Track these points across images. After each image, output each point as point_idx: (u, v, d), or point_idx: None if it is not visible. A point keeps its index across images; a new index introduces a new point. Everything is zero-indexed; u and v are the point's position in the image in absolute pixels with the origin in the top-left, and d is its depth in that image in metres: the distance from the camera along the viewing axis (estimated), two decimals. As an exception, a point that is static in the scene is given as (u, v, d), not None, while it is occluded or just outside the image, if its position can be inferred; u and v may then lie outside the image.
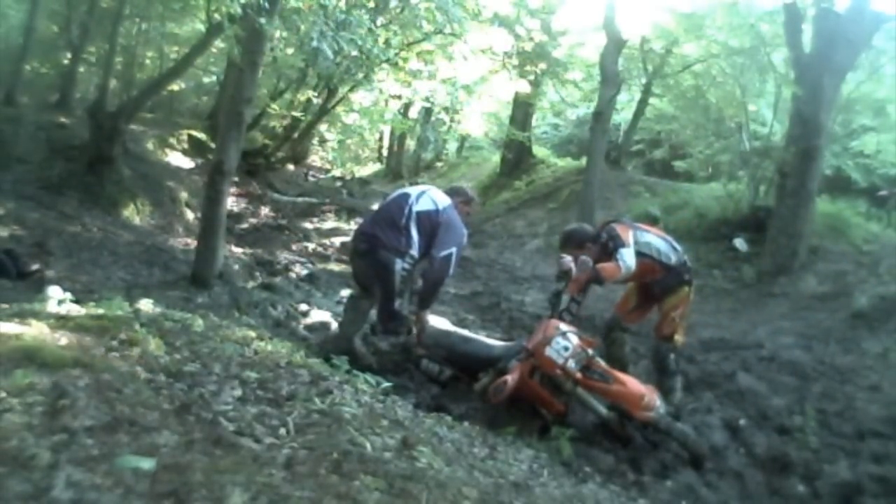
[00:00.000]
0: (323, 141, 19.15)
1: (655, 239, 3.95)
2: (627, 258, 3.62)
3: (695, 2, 11.45)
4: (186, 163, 11.30)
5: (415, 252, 3.76)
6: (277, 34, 6.83)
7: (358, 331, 4.09)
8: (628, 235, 3.75)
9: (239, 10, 4.87)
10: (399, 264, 3.71)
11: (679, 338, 3.96)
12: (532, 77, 13.72)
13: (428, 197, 3.90)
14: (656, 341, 4.02)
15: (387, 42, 8.97)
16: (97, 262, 5.52)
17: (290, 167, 16.12)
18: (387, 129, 21.77)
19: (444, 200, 3.93)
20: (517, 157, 15.52)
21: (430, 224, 3.79)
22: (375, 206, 4.08)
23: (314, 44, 5.45)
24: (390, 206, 3.92)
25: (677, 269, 3.89)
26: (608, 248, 3.74)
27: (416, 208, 3.81)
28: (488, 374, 3.46)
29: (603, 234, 3.85)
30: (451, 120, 11.98)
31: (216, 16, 5.91)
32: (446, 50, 11.32)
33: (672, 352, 3.95)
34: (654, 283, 3.94)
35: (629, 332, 4.29)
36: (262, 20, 4.80)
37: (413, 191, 4.00)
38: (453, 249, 3.79)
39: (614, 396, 3.23)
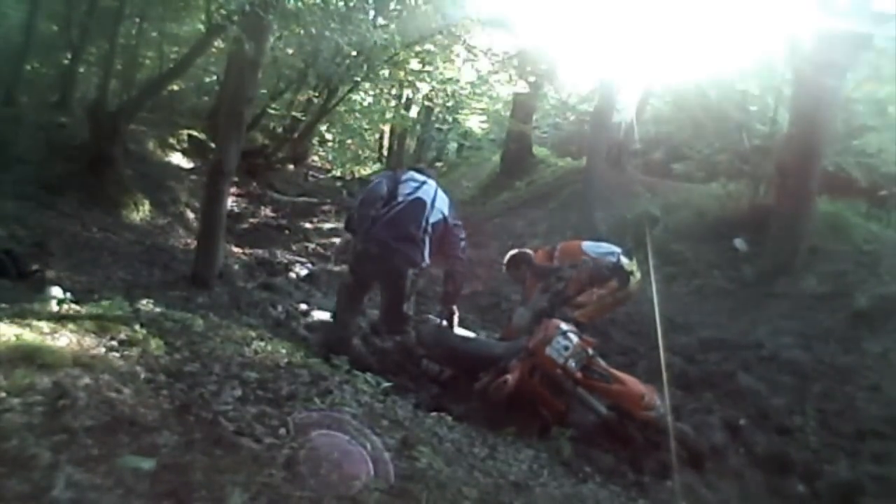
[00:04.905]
0: (323, 141, 19.10)
1: (587, 261, 4.72)
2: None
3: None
4: (186, 163, 11.28)
5: (426, 263, 3.87)
6: (277, 34, 6.83)
7: (353, 320, 4.10)
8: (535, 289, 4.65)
9: (246, 7, 4.86)
10: (411, 273, 3.81)
11: (581, 313, 4.35)
12: (532, 78, 13.71)
13: (437, 209, 3.95)
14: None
15: (385, 43, 8.97)
16: (97, 262, 5.51)
17: (290, 167, 16.07)
18: (387, 129, 21.76)
19: (444, 202, 4.02)
20: (519, 150, 15.45)
21: (439, 231, 3.93)
22: (382, 195, 3.93)
23: (318, 32, 5.45)
24: (406, 214, 3.81)
25: (606, 273, 4.61)
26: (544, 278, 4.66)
27: (431, 219, 3.88)
28: (489, 374, 3.46)
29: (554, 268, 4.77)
30: (454, 120, 11.99)
31: (216, 16, 5.90)
32: (445, 51, 11.31)
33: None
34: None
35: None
36: (270, 16, 4.81)
37: (426, 196, 3.91)
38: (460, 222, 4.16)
39: (614, 396, 3.23)
